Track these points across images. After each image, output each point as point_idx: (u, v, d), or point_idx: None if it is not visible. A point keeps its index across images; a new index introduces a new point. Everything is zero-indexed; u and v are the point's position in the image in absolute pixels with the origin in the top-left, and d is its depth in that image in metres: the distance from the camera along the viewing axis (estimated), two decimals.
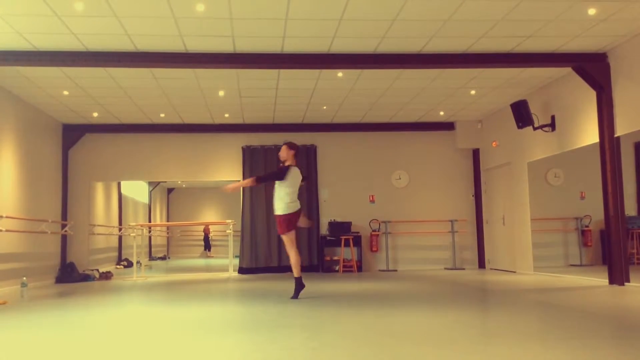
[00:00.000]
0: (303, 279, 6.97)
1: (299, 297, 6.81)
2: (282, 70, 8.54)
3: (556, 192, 10.77)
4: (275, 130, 12.19)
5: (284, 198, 6.75)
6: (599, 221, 9.47)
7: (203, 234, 23.76)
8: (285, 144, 7.01)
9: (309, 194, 12.13)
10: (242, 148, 12.23)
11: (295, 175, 6.82)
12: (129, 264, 15.93)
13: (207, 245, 23.61)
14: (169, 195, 24.68)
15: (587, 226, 10.72)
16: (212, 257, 22.82)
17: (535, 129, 9.58)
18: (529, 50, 7.86)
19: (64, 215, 11.57)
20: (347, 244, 11.88)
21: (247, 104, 10.51)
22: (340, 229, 11.87)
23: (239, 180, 12.23)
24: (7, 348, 4.04)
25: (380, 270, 12.05)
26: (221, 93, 9.70)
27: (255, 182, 6.84)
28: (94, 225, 13.31)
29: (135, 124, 11.82)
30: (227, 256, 12.64)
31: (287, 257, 11.96)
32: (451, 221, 12.30)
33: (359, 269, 11.95)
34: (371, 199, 12.41)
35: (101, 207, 14.54)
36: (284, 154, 6.94)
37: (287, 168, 6.82)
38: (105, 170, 12.12)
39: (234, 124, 12.04)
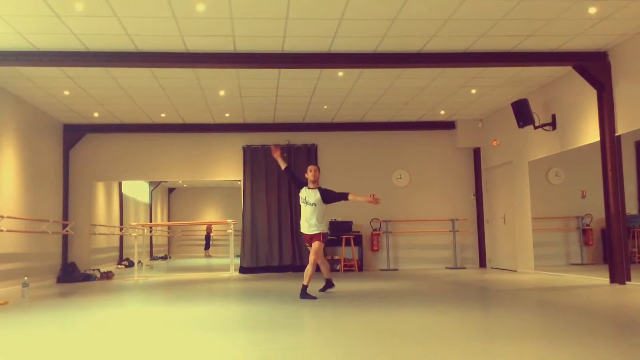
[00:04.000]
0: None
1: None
2: (282, 70, 8.54)
3: (557, 191, 10.77)
4: (275, 129, 12.19)
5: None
6: (599, 220, 9.48)
7: (205, 232, 23.77)
8: (315, 166, 7.19)
9: None
10: (243, 148, 12.23)
11: (302, 194, 7.06)
12: (130, 264, 15.92)
13: (207, 245, 23.62)
14: (169, 195, 24.69)
15: (588, 225, 10.72)
16: (211, 256, 22.81)
17: (536, 128, 9.58)
18: (529, 49, 7.86)
19: (65, 216, 11.57)
20: (348, 244, 11.87)
21: (247, 104, 10.51)
22: (341, 228, 11.86)
23: (238, 180, 12.29)
24: (8, 348, 4.04)
25: (381, 270, 12.05)
26: (222, 93, 9.70)
27: (284, 171, 7.45)
28: (95, 225, 13.31)
29: (136, 124, 11.82)
30: (227, 256, 12.65)
31: (288, 257, 12.13)
32: (452, 220, 12.30)
33: (360, 268, 11.95)
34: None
35: (102, 207, 14.54)
36: (317, 175, 7.06)
37: (303, 187, 7.09)
38: (106, 170, 12.12)
39: (235, 123, 12.04)
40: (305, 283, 6.78)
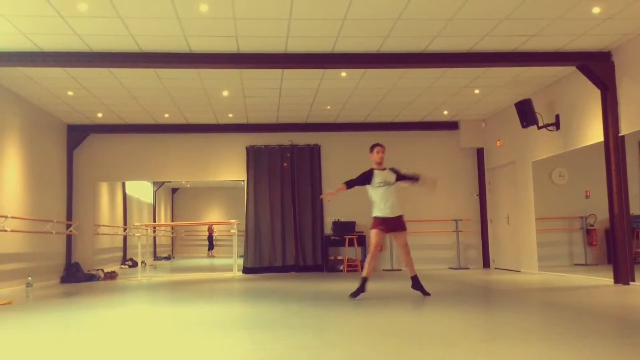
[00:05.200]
0: (364, 285, 6.87)
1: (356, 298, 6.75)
2: (285, 70, 8.54)
3: (561, 191, 10.74)
4: (279, 130, 12.20)
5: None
6: (603, 220, 9.45)
7: (208, 233, 23.80)
8: (381, 145, 6.86)
9: (313, 193, 12.13)
10: (246, 148, 12.24)
11: (378, 177, 6.78)
12: (134, 264, 15.96)
13: (211, 245, 23.65)
14: (173, 195, 24.74)
15: (591, 225, 10.69)
16: (214, 256, 22.84)
17: (539, 128, 9.56)
18: (533, 49, 7.84)
19: (69, 216, 11.60)
20: (351, 244, 11.87)
21: (250, 104, 10.52)
22: (345, 228, 11.86)
23: (242, 180, 12.30)
24: (12, 348, 4.05)
25: (384, 270, 12.05)
26: (225, 93, 9.72)
27: (349, 187, 6.95)
28: (99, 226, 13.34)
29: (139, 124, 11.85)
30: (231, 256, 12.66)
31: (291, 257, 12.10)
32: (455, 220, 12.28)
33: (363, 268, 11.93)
34: None
35: (106, 207, 14.57)
36: (382, 155, 6.83)
37: (372, 171, 6.83)
38: (110, 171, 12.15)
39: (238, 124, 12.05)
40: (413, 274, 6.78)
